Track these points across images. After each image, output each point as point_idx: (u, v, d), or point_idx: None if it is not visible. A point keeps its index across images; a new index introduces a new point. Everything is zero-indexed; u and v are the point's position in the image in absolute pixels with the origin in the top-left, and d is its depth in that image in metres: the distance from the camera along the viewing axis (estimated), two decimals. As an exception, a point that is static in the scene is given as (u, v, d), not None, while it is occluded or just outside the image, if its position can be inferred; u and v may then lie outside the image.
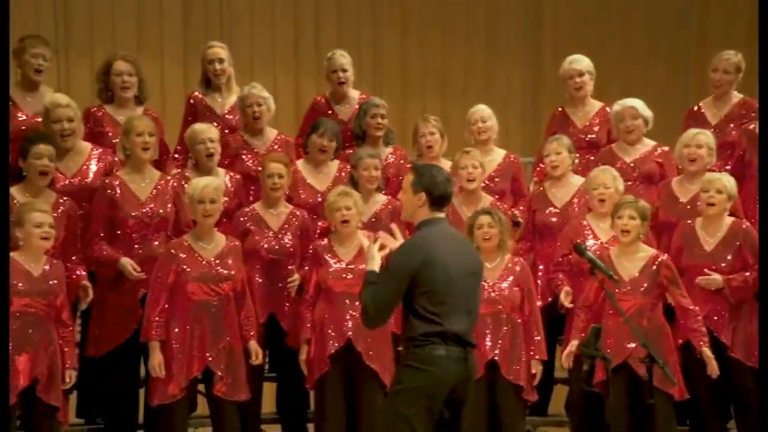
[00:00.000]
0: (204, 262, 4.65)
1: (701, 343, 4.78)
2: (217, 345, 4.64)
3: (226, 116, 5.50)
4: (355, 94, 5.75)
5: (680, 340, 4.86)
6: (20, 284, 4.36)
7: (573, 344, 4.76)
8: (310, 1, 8.05)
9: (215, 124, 5.37)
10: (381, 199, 5.20)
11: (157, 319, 4.60)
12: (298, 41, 7.96)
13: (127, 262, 4.73)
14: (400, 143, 5.77)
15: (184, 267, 4.62)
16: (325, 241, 4.93)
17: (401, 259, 3.70)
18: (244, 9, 7.83)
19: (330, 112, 5.68)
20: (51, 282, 4.44)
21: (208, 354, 4.62)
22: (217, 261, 4.67)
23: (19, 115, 5.12)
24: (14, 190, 4.67)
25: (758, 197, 5.02)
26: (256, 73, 7.29)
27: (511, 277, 4.89)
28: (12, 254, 4.40)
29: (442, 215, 3.82)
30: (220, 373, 4.64)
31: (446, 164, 5.53)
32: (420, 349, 3.66)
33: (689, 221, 5.07)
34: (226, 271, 4.68)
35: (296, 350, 4.92)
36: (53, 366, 4.44)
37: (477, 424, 4.77)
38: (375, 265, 3.76)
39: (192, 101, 5.52)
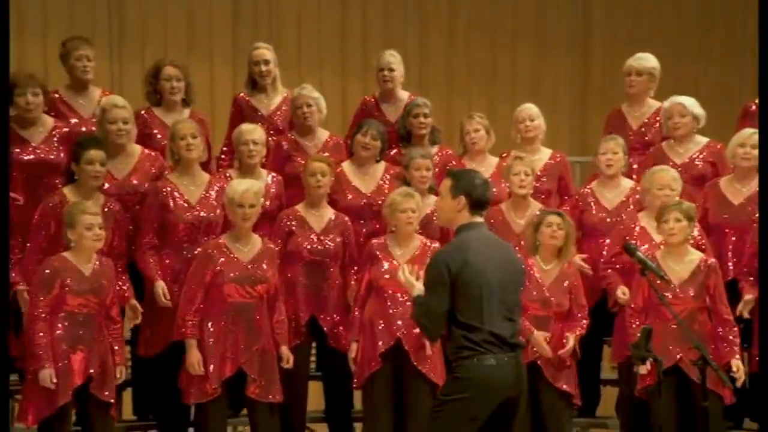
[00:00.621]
0: (241, 264, 4.68)
1: (735, 356, 4.71)
2: (250, 348, 4.67)
3: (272, 117, 5.53)
4: (404, 95, 5.75)
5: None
6: (73, 284, 4.44)
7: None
8: (357, 2, 8.07)
9: (261, 125, 5.40)
10: (432, 200, 5.17)
11: (192, 317, 4.64)
12: (345, 42, 7.98)
13: (159, 287, 4.78)
14: (446, 142, 5.77)
15: (222, 268, 4.65)
16: (382, 240, 4.93)
17: (438, 266, 3.70)
18: (291, 10, 7.87)
19: (378, 112, 5.69)
20: (102, 281, 4.51)
21: (241, 356, 4.65)
22: (254, 263, 4.70)
23: (72, 117, 5.21)
24: (67, 191, 4.76)
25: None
26: (303, 73, 7.34)
27: (566, 283, 4.87)
28: (65, 254, 4.50)
29: (480, 219, 3.81)
30: (253, 376, 4.66)
31: (492, 161, 5.52)
32: (468, 361, 3.65)
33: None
34: (261, 274, 4.70)
35: (339, 351, 4.94)
36: (105, 363, 4.51)
37: (522, 427, 4.74)
38: (417, 289, 3.81)
39: (238, 102, 5.56)
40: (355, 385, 4.91)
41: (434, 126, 5.60)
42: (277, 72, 5.55)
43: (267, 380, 4.69)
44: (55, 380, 4.34)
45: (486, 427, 3.68)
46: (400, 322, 4.77)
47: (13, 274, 4.71)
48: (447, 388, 3.75)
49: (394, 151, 5.55)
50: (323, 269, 5.02)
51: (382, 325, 4.80)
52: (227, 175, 5.13)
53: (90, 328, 4.46)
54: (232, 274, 4.64)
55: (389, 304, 4.81)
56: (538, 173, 5.41)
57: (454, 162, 5.50)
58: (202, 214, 4.90)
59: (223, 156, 5.53)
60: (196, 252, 4.83)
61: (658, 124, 5.60)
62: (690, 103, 5.38)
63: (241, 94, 5.58)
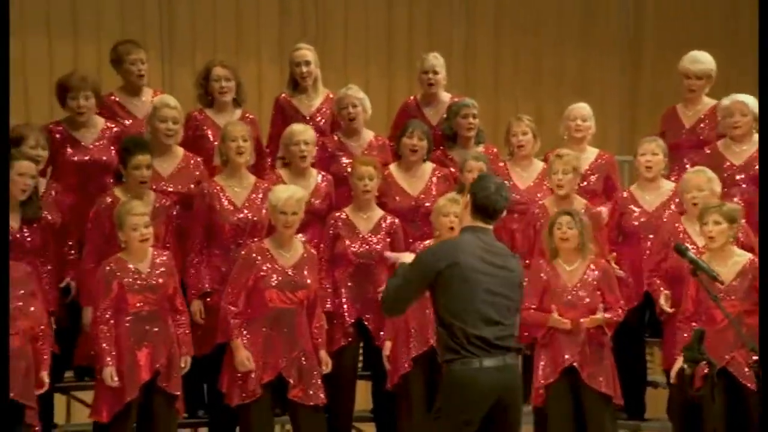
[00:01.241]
0: (283, 270, 4.70)
1: None
2: (290, 354, 4.69)
3: (314, 118, 5.55)
4: (445, 97, 5.75)
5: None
6: (131, 283, 4.52)
7: (680, 360, 4.57)
8: (403, 2, 8.08)
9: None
10: None
11: (235, 319, 4.67)
12: (392, 43, 7.99)
13: (196, 306, 4.83)
14: (491, 144, 5.74)
15: (264, 273, 4.67)
16: (427, 244, 4.92)
17: (427, 257, 3.71)
18: (338, 11, 7.90)
19: (419, 114, 5.69)
20: (158, 277, 4.57)
21: (281, 362, 4.67)
22: (295, 269, 4.72)
23: (127, 119, 5.30)
24: (118, 191, 4.83)
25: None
26: (349, 74, 7.37)
27: (592, 281, 4.81)
28: (120, 254, 4.58)
29: (485, 225, 3.74)
30: (293, 382, 4.68)
31: (538, 165, 5.48)
32: (454, 364, 3.62)
33: None
34: (302, 280, 4.71)
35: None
36: (172, 356, 4.57)
37: (563, 428, 4.70)
38: (408, 258, 3.82)
39: (279, 103, 5.59)
40: (388, 385, 4.91)
41: (479, 127, 5.58)
42: (318, 73, 5.57)
43: (308, 384, 4.70)
44: (116, 378, 4.42)
45: (483, 430, 3.64)
46: (431, 329, 4.74)
47: (69, 274, 4.81)
48: (440, 393, 3.73)
49: (439, 151, 5.54)
50: (370, 271, 5.03)
51: (416, 328, 4.80)
52: (277, 174, 5.16)
53: (154, 323, 4.53)
54: (273, 280, 4.66)
55: (423, 310, 4.77)
56: (585, 172, 5.37)
57: (501, 164, 5.47)
58: (248, 216, 4.93)
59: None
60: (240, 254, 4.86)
61: (709, 121, 5.52)
62: (751, 101, 5.26)
63: (283, 95, 5.61)
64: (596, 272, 4.83)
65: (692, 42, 6.96)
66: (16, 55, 7.11)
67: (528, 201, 5.31)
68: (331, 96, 5.62)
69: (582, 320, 4.72)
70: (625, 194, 5.29)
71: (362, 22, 7.96)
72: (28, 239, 4.59)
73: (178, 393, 4.60)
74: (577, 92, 7.81)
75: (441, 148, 5.56)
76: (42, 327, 4.36)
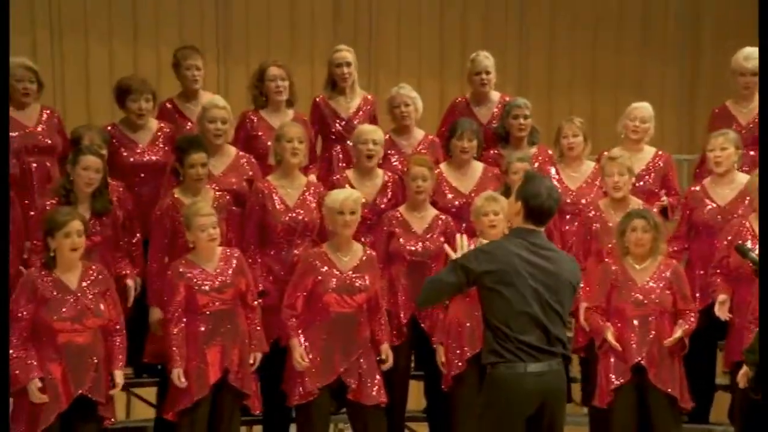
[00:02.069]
0: (341, 274, 4.71)
1: None
2: (349, 358, 4.70)
3: (352, 119, 5.57)
4: (495, 96, 5.74)
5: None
6: (199, 283, 4.58)
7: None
8: (456, 2, 8.07)
9: (340, 126, 5.49)
10: None
11: (291, 321, 4.70)
12: (444, 43, 7.99)
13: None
14: (546, 143, 5.71)
15: (322, 278, 4.69)
16: (470, 243, 4.90)
17: (471, 258, 3.66)
18: (391, 12, 7.93)
19: (469, 113, 5.68)
20: (226, 276, 4.62)
21: (340, 366, 4.70)
22: (354, 273, 4.73)
23: (186, 123, 5.39)
24: (177, 192, 4.91)
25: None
26: (402, 74, 7.38)
27: (662, 281, 4.75)
28: (188, 255, 4.64)
29: (536, 228, 3.70)
30: (353, 385, 4.70)
31: (589, 165, 5.43)
32: (496, 369, 3.60)
33: None
34: (361, 283, 4.73)
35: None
36: (243, 354, 4.60)
37: (628, 429, 4.64)
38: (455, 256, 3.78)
39: (318, 105, 5.61)
40: (443, 387, 4.90)
41: (533, 126, 5.56)
42: (356, 75, 5.60)
43: (369, 385, 4.72)
44: (183, 379, 4.49)
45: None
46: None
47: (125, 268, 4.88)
48: (482, 395, 3.71)
49: (493, 151, 5.53)
50: (424, 269, 5.04)
51: (469, 328, 4.79)
52: (344, 175, 5.20)
53: (225, 322, 4.58)
54: (332, 284, 4.67)
55: (476, 307, 4.79)
56: (641, 173, 5.31)
57: (550, 167, 5.43)
58: (299, 216, 4.97)
59: None
60: (294, 253, 4.92)
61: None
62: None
63: (320, 97, 5.63)
64: (668, 272, 4.77)
65: (752, 40, 6.83)
66: (78, 59, 7.32)
67: (579, 202, 5.28)
68: (368, 97, 5.67)
69: (666, 341, 4.67)
70: (697, 188, 5.20)
71: (415, 23, 7.97)
72: (99, 232, 4.69)
73: (249, 391, 4.64)
74: (635, 91, 7.72)
75: (493, 149, 5.54)
76: (117, 326, 4.42)
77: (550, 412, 3.64)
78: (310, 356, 4.67)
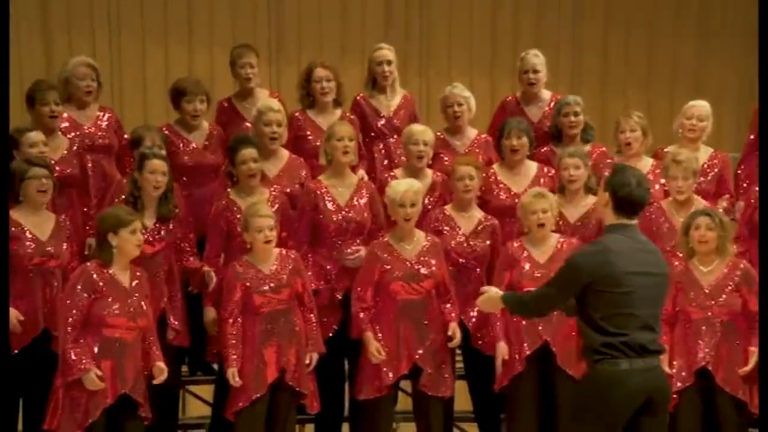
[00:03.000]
0: (406, 262, 4.74)
1: None
2: (423, 343, 4.73)
3: (392, 118, 5.58)
4: (546, 95, 5.70)
5: None
6: (255, 284, 4.62)
7: None
8: (509, 1, 8.02)
9: (381, 124, 5.51)
10: (590, 200, 5.07)
11: (364, 315, 4.73)
12: (496, 41, 7.95)
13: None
14: (600, 141, 5.64)
15: (388, 267, 4.72)
16: (518, 242, 4.90)
17: (580, 263, 3.59)
18: (442, 11, 7.91)
19: (519, 112, 5.65)
20: (282, 277, 4.66)
21: (415, 352, 4.71)
22: (418, 260, 4.75)
23: (242, 123, 5.45)
24: (231, 193, 4.96)
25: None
26: (453, 73, 7.36)
27: (730, 283, 4.66)
28: (245, 256, 4.69)
29: (630, 222, 3.64)
30: (429, 370, 4.72)
31: (647, 162, 5.35)
32: (600, 365, 3.55)
33: None
34: (427, 270, 4.74)
35: (482, 352, 4.93)
36: (299, 353, 4.64)
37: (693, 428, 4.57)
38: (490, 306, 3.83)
39: (358, 103, 5.62)
40: (495, 387, 4.85)
41: (587, 123, 5.50)
42: (396, 73, 5.60)
43: (439, 375, 4.73)
44: (237, 378, 4.53)
45: (628, 429, 3.58)
46: (542, 326, 4.73)
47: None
48: (584, 391, 3.66)
49: (545, 149, 5.49)
50: (470, 271, 5.03)
51: (526, 328, 4.75)
52: (392, 174, 5.21)
53: (281, 322, 4.62)
54: (397, 273, 4.71)
55: None
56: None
57: (609, 160, 5.37)
58: (350, 215, 4.99)
59: None
60: (346, 253, 4.94)
61: None
62: None
63: (360, 96, 5.64)
64: (737, 273, 4.67)
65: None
66: (136, 60, 7.46)
67: None
68: (408, 96, 5.68)
69: (741, 371, 4.58)
70: (756, 189, 5.08)
71: (466, 22, 7.94)
72: (164, 237, 4.75)
73: (306, 391, 4.67)
74: (692, 88, 7.59)
75: (546, 147, 5.49)
76: (152, 329, 4.47)
77: (656, 408, 3.58)
78: (382, 340, 4.68)
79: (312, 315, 4.72)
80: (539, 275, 4.76)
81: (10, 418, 4.59)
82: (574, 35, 8.08)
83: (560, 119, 5.42)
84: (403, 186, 4.76)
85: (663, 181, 5.14)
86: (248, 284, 4.59)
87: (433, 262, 4.77)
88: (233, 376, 4.54)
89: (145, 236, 4.51)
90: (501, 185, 5.27)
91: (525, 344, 4.74)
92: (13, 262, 4.52)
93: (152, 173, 4.69)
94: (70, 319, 4.23)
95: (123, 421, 4.33)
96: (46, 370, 4.46)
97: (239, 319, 4.60)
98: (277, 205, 4.89)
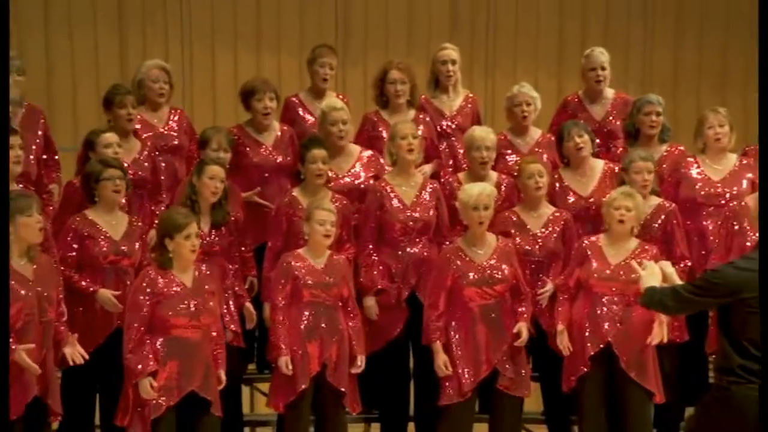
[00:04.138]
0: (478, 267, 4.73)
1: None
2: (500, 347, 4.71)
3: (455, 118, 5.56)
4: (610, 94, 5.63)
5: None
6: (306, 278, 4.67)
7: None
8: (576, 0, 7.94)
9: (444, 124, 5.50)
10: (654, 202, 5.01)
11: (436, 322, 4.72)
12: (563, 41, 7.87)
13: (370, 302, 4.91)
14: (673, 140, 5.53)
15: (460, 272, 4.71)
16: (595, 238, 4.84)
17: (731, 275, 3.38)
18: (509, 10, 7.87)
19: (582, 111, 5.60)
20: (333, 276, 4.71)
21: (493, 357, 4.70)
22: (491, 264, 4.74)
23: (308, 117, 5.51)
24: (296, 191, 5.02)
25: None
26: (518, 74, 7.31)
27: None
28: (299, 250, 4.74)
29: None
30: (509, 375, 4.71)
31: (732, 158, 5.23)
32: (737, 387, 3.39)
33: None
34: (499, 274, 4.73)
35: (555, 352, 4.88)
36: (341, 352, 4.67)
37: None
38: (653, 280, 3.59)
39: (421, 104, 5.60)
40: (563, 388, 4.82)
41: (664, 124, 5.40)
42: (459, 74, 5.58)
43: (518, 377, 4.72)
44: (290, 367, 4.57)
45: None
46: (607, 326, 4.67)
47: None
48: (708, 412, 3.50)
49: (620, 149, 5.42)
50: (541, 269, 4.99)
51: (590, 327, 4.70)
52: (458, 177, 5.20)
53: (325, 318, 4.65)
54: (470, 278, 4.71)
55: (597, 305, 4.71)
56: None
57: (690, 159, 5.26)
58: (416, 214, 5.00)
59: None
60: (411, 252, 4.95)
61: None
62: None
63: (423, 97, 5.63)
64: None
65: None
66: (206, 64, 7.60)
67: (723, 195, 5.09)
68: (470, 95, 5.66)
69: None
70: None
71: (533, 22, 7.88)
72: (217, 242, 4.81)
73: (346, 390, 4.69)
74: (768, 87, 7.37)
75: (605, 146, 5.42)
76: (218, 326, 4.52)
77: None
78: (460, 352, 4.68)
79: (356, 320, 4.74)
80: (609, 274, 4.71)
81: (88, 415, 4.71)
82: (645, 33, 7.95)
83: (640, 118, 5.34)
84: (476, 189, 4.74)
85: (750, 175, 5.04)
86: (299, 277, 4.63)
87: (505, 265, 4.75)
88: (286, 364, 4.56)
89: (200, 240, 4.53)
90: (567, 189, 5.21)
91: (588, 344, 4.69)
92: (88, 260, 4.65)
93: (211, 179, 4.75)
94: (133, 323, 4.31)
95: (196, 418, 4.39)
96: (120, 368, 4.55)
97: (288, 310, 4.62)
98: (338, 206, 4.91)
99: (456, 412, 4.70)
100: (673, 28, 7.98)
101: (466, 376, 4.67)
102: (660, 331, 4.64)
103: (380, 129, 5.47)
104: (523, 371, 4.74)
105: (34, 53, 7.11)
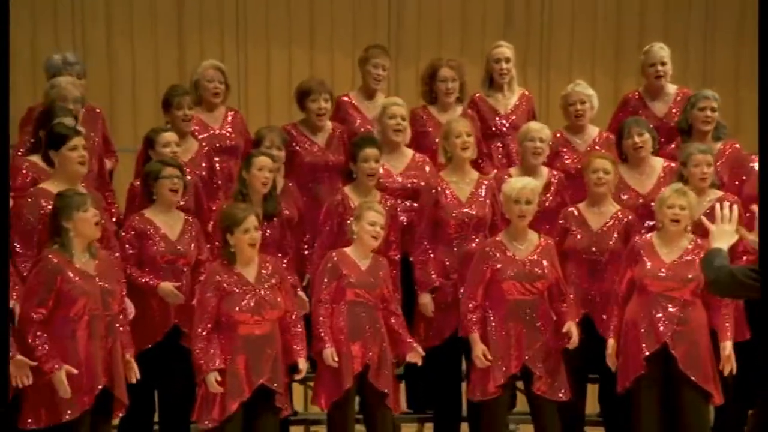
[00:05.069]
0: (518, 262, 4.71)
1: None
2: (533, 345, 4.69)
3: (510, 116, 5.53)
4: (672, 89, 5.55)
5: None
6: (350, 277, 4.68)
7: None
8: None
9: (499, 123, 5.47)
10: (714, 196, 4.92)
11: (474, 314, 4.72)
12: (621, 38, 7.76)
13: (426, 299, 4.91)
14: (735, 137, 5.44)
15: (500, 266, 4.70)
16: (648, 237, 4.77)
17: None
18: (565, 8, 7.79)
19: (644, 108, 5.52)
20: (375, 277, 4.72)
21: (525, 353, 4.67)
22: (532, 260, 4.71)
23: (359, 117, 5.54)
24: (347, 189, 5.04)
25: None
26: (574, 72, 7.23)
27: None
28: (345, 249, 4.76)
29: None
30: (538, 373, 4.67)
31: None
32: None
33: None
34: (540, 270, 4.70)
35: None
36: (382, 353, 4.68)
37: None
38: (723, 243, 3.40)
39: (475, 103, 5.59)
40: (618, 389, 4.75)
41: (719, 122, 5.31)
42: (514, 72, 5.55)
43: (554, 378, 4.69)
44: (336, 358, 4.57)
45: None
46: (663, 326, 4.60)
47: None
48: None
49: (672, 146, 5.33)
50: (600, 267, 4.93)
51: (645, 327, 4.63)
52: (509, 172, 5.18)
53: (367, 318, 4.66)
54: (510, 272, 4.68)
55: (653, 305, 4.64)
56: None
57: (754, 156, 5.16)
58: (471, 211, 4.99)
59: None
60: (467, 249, 4.94)
61: None
62: None
63: (478, 95, 5.61)
64: None
65: None
66: (260, 65, 7.68)
67: None
68: (526, 93, 5.62)
69: None
70: None
71: (590, 19, 7.79)
72: (268, 234, 4.85)
73: (388, 391, 4.68)
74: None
75: (669, 143, 5.35)
76: (293, 317, 4.54)
77: None
78: (494, 338, 4.65)
79: (398, 320, 4.74)
80: (663, 275, 4.64)
81: (147, 412, 4.79)
82: (706, 29, 7.80)
83: (694, 113, 5.25)
84: (519, 183, 4.73)
85: None
86: (344, 276, 4.64)
87: (546, 263, 4.71)
88: (332, 355, 4.55)
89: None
90: (625, 186, 5.14)
91: (644, 345, 4.62)
92: (146, 259, 4.73)
93: (260, 170, 4.80)
94: (200, 320, 4.37)
95: (259, 412, 4.43)
96: (177, 364, 4.66)
97: (330, 306, 4.63)
98: (386, 207, 4.92)
99: (490, 409, 4.68)
100: (735, 19, 7.82)
101: (495, 371, 4.64)
102: (729, 363, 4.58)
103: (427, 125, 5.47)
104: (559, 374, 4.68)
105: (97, 57, 7.27)
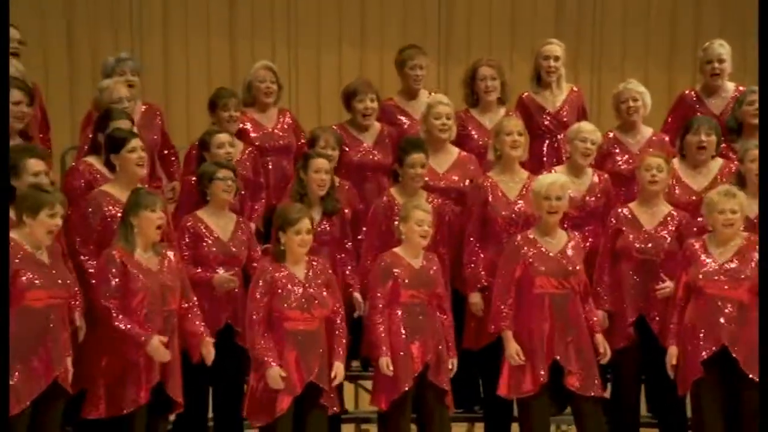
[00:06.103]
0: (550, 257, 4.69)
1: None
2: (564, 339, 4.66)
3: (558, 114, 5.49)
4: (730, 87, 5.47)
5: None
6: (404, 277, 4.69)
7: None
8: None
9: (547, 121, 5.42)
10: None
11: (505, 310, 4.71)
12: (676, 33, 7.65)
13: (476, 298, 4.90)
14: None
15: (531, 261, 4.68)
16: (701, 240, 4.71)
17: None
18: (617, 6, 7.71)
19: (699, 106, 5.44)
20: (430, 274, 4.72)
21: (555, 348, 4.65)
22: (563, 256, 4.69)
23: (404, 120, 5.55)
24: (393, 191, 5.05)
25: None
26: (626, 70, 7.15)
27: None
28: (396, 249, 4.77)
29: None
30: (569, 368, 4.65)
31: None
32: None
33: None
34: (572, 266, 4.68)
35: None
36: (440, 351, 4.69)
37: None
38: None
39: (523, 102, 5.56)
40: (679, 393, 4.70)
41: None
42: (563, 70, 5.50)
43: (587, 373, 4.66)
44: (391, 367, 4.60)
45: None
46: (721, 328, 4.53)
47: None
48: None
49: (722, 145, 5.24)
50: (654, 266, 4.87)
51: (704, 331, 4.57)
52: (554, 171, 5.14)
53: (425, 317, 4.68)
54: (542, 267, 4.67)
55: (710, 308, 4.57)
56: None
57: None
58: (520, 209, 4.98)
59: None
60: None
61: None
62: None
63: (526, 94, 5.58)
64: None
65: None
66: (311, 65, 7.74)
67: None
68: (575, 89, 5.57)
69: None
70: None
71: (643, 15, 7.69)
72: (328, 231, 4.91)
73: (447, 389, 4.69)
74: None
75: (727, 142, 5.26)
76: (338, 319, 4.58)
77: None
78: (526, 340, 4.64)
79: (449, 321, 4.74)
80: (718, 278, 4.57)
81: (201, 408, 4.86)
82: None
83: (744, 109, 5.18)
84: (548, 179, 4.71)
85: None
86: (398, 276, 4.65)
87: (578, 260, 4.69)
88: (387, 365, 4.59)
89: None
90: (680, 183, 5.08)
91: (702, 348, 4.55)
92: (199, 259, 4.80)
93: (317, 172, 4.85)
94: (254, 317, 4.43)
95: (308, 409, 4.47)
96: (230, 362, 4.72)
97: (386, 310, 4.64)
98: (433, 206, 4.89)
99: (529, 407, 4.65)
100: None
101: (525, 369, 4.62)
102: None
103: (469, 128, 5.44)
104: (593, 370, 4.64)
105: (153, 57, 7.41)
